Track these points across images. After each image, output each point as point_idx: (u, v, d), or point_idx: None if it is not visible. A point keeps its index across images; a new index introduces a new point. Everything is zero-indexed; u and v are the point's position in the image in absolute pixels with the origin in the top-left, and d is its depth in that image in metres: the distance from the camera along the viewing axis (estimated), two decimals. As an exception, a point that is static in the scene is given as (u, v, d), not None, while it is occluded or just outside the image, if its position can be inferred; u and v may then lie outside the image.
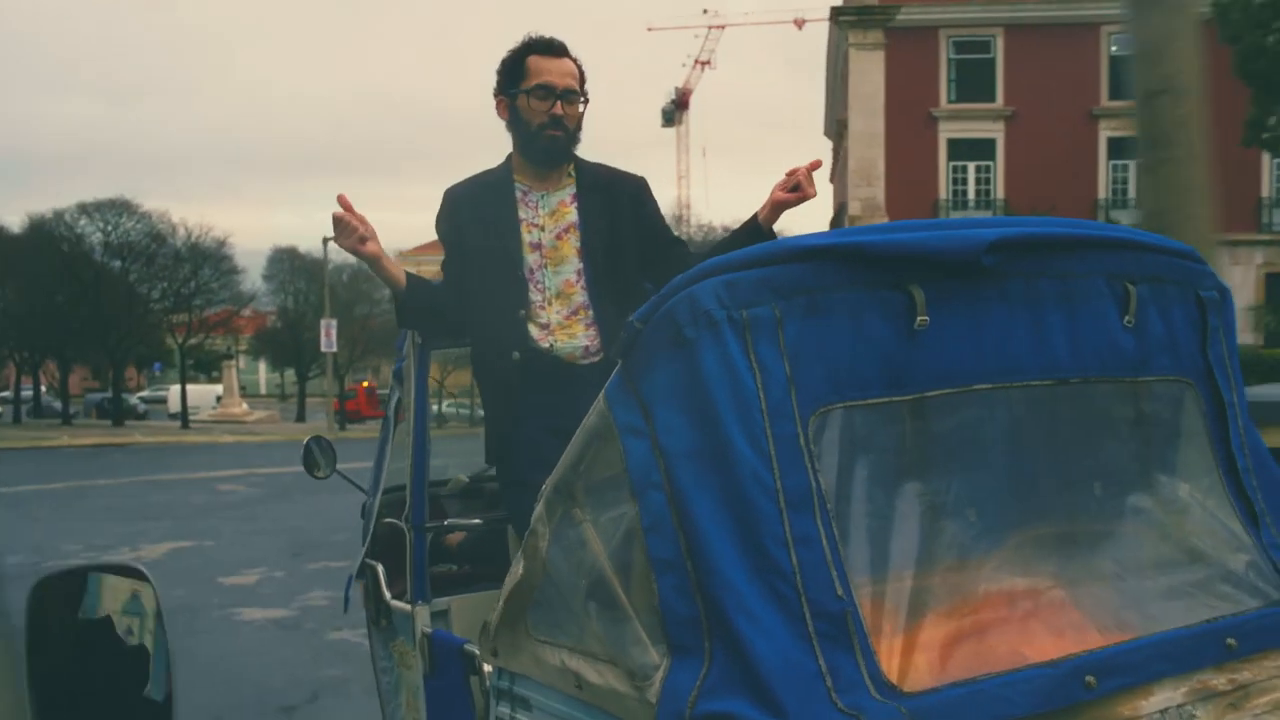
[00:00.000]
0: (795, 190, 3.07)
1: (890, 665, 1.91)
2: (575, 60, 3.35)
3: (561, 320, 3.26)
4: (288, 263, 59.41)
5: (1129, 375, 2.29)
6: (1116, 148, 34.51)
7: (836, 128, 37.39)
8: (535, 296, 3.28)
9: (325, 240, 45.59)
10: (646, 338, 2.05)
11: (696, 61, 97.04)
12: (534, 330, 3.25)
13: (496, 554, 3.89)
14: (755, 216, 3.14)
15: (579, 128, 3.34)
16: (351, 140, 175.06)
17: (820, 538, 1.91)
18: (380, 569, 3.82)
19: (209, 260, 50.10)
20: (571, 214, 3.32)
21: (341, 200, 3.13)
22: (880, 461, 2.07)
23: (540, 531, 2.33)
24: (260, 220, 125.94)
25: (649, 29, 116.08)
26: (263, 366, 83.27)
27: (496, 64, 3.38)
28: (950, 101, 35.19)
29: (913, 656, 1.95)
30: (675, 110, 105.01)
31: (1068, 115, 34.40)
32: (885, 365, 2.02)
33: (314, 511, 16.53)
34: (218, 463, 28.60)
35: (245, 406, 60.44)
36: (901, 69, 34.76)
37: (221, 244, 50.66)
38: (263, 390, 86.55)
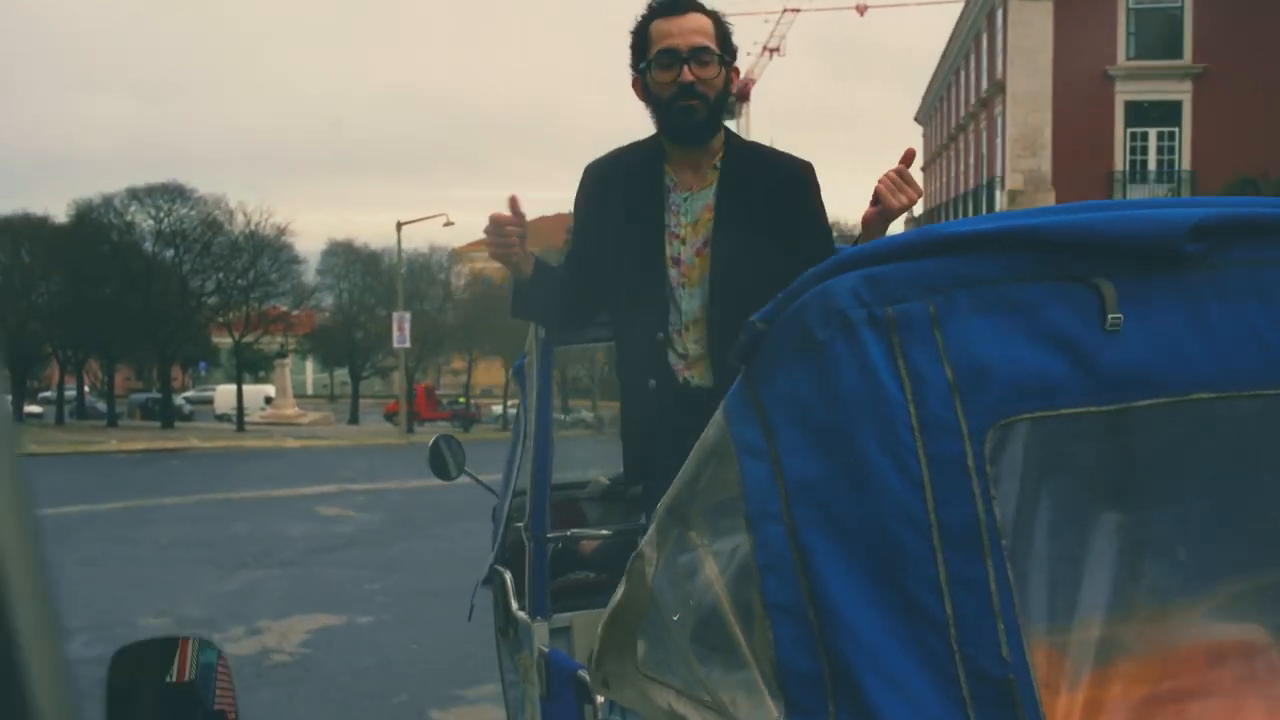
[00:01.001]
0: (878, 203, 2.67)
1: None
2: (711, 13, 2.85)
3: (701, 351, 2.87)
4: (343, 256, 55.74)
5: None
6: (1325, 110, 29.80)
7: (989, 90, 32.79)
8: (674, 319, 2.89)
9: (399, 225, 41.63)
10: (771, 341, 1.75)
11: (765, 49, 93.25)
12: (672, 358, 2.90)
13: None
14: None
15: (724, 95, 2.83)
16: (393, 138, 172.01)
17: (988, 581, 1.58)
18: (508, 577, 3.69)
19: (268, 250, 45.97)
20: (712, 224, 2.87)
21: (513, 202, 2.79)
22: (1074, 486, 1.77)
23: (648, 555, 2.03)
24: (303, 220, 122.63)
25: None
26: (310, 366, 79.53)
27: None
28: (1129, 58, 30.50)
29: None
30: (736, 102, 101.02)
31: (1269, 73, 29.66)
32: (1077, 371, 1.66)
33: (464, 548, 12.10)
34: (293, 475, 24.37)
35: (297, 408, 56.93)
36: (1072, 20, 30.16)
37: (282, 231, 46.58)
38: (309, 390, 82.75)
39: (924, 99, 61.62)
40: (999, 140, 32.81)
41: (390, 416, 58.22)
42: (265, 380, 58.49)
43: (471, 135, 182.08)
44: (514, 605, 3.57)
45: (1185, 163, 30.37)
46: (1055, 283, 1.68)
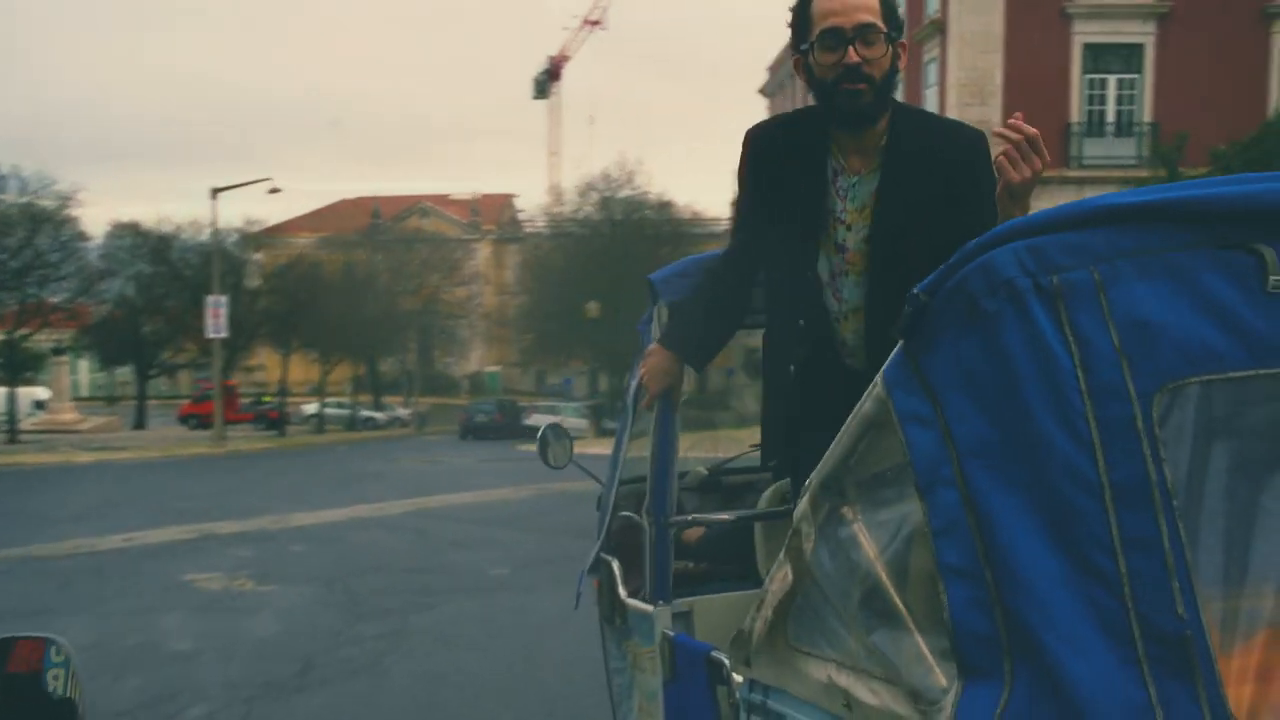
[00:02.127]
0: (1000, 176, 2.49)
1: (1240, 701, 1.63)
2: None
3: (859, 342, 2.84)
4: (129, 239, 48.13)
5: None
6: (1295, 55, 26.78)
7: (922, 33, 28.62)
8: (833, 306, 2.88)
9: (215, 191, 34.91)
10: (934, 312, 1.81)
11: (585, 21, 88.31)
12: (831, 348, 2.91)
13: (739, 553, 3.69)
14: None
15: (892, 74, 2.74)
16: (167, 127, 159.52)
17: (1162, 540, 1.63)
18: (615, 564, 3.66)
19: (47, 225, 38.17)
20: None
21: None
22: (1243, 448, 1.76)
23: (805, 531, 2.14)
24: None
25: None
26: (85, 364, 70.54)
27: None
28: (1088, -6, 26.79)
29: (1269, 690, 1.66)
30: (547, 80, 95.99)
31: (1238, 15, 26.44)
32: (1242, 335, 1.71)
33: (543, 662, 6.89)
34: (110, 508, 18.03)
35: (77, 413, 49.04)
36: (1025, -47, 26.33)
37: (65, 203, 38.80)
38: (84, 392, 73.53)
39: (774, 69, 57.99)
40: (931, 90, 28.75)
41: (186, 419, 51.50)
42: (35, 382, 50.18)
43: (250, 123, 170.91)
44: (622, 592, 3.56)
45: (1147, 113, 26.89)
46: (1217, 250, 1.73)
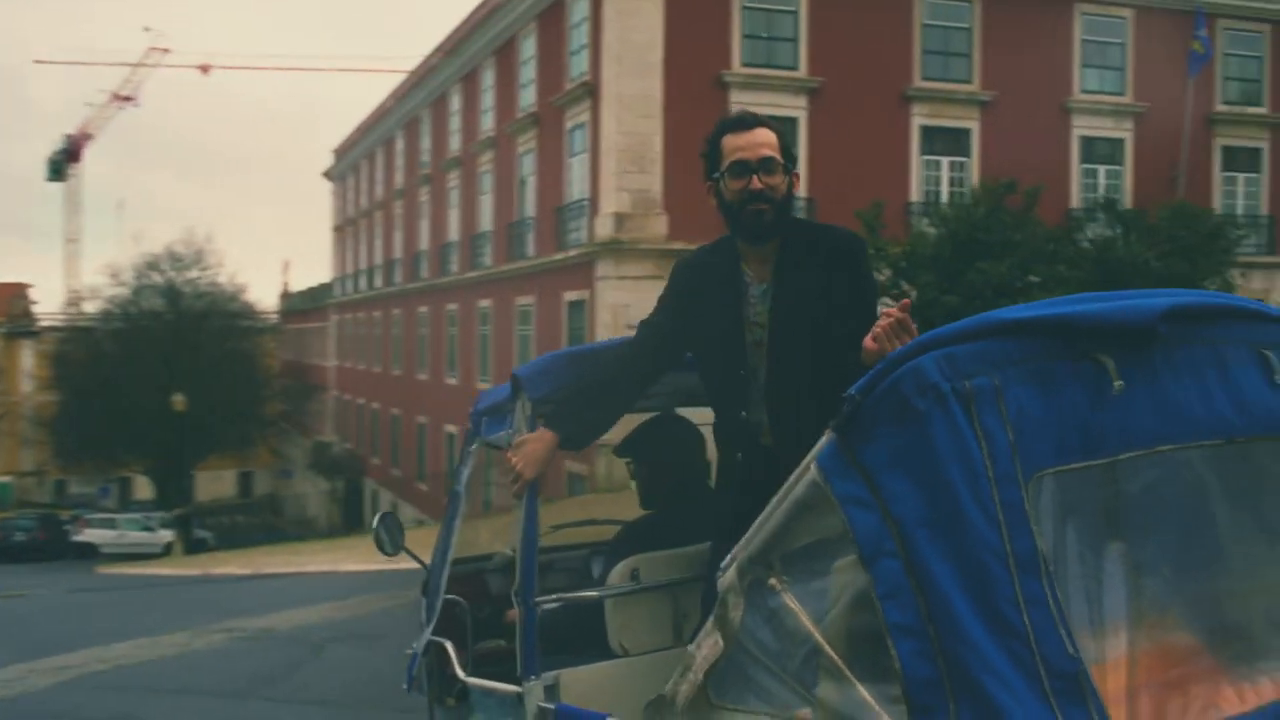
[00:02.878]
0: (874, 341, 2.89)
1: (1118, 717, 2.15)
2: (774, 128, 3.32)
3: (770, 421, 3.33)
4: None
5: None
6: (930, 139, 27.52)
7: (574, 94, 26.87)
8: (755, 395, 3.34)
9: None
10: (869, 410, 2.22)
11: (115, 96, 79.95)
12: (753, 430, 3.37)
13: (578, 629, 3.82)
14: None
15: (788, 198, 3.30)
16: None
17: (1048, 598, 2.11)
18: (449, 646, 3.84)
19: None
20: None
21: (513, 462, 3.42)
22: (1085, 523, 2.29)
23: (732, 601, 2.45)
24: None
25: (37, 61, 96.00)
26: None
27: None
28: (744, 64, 26.15)
29: (1136, 710, 2.22)
30: (64, 161, 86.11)
31: (879, 94, 26.89)
32: (1086, 431, 2.26)
33: None
34: None
35: None
36: (682, 18, 25.39)
37: None
38: None
39: (343, 151, 55.50)
40: (579, 157, 27.11)
41: None
42: None
43: None
44: (460, 673, 3.76)
45: (805, 185, 26.57)
46: (1076, 360, 2.28)
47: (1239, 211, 29.93)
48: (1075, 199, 28.18)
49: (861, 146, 26.13)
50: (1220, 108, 30.25)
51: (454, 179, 36.84)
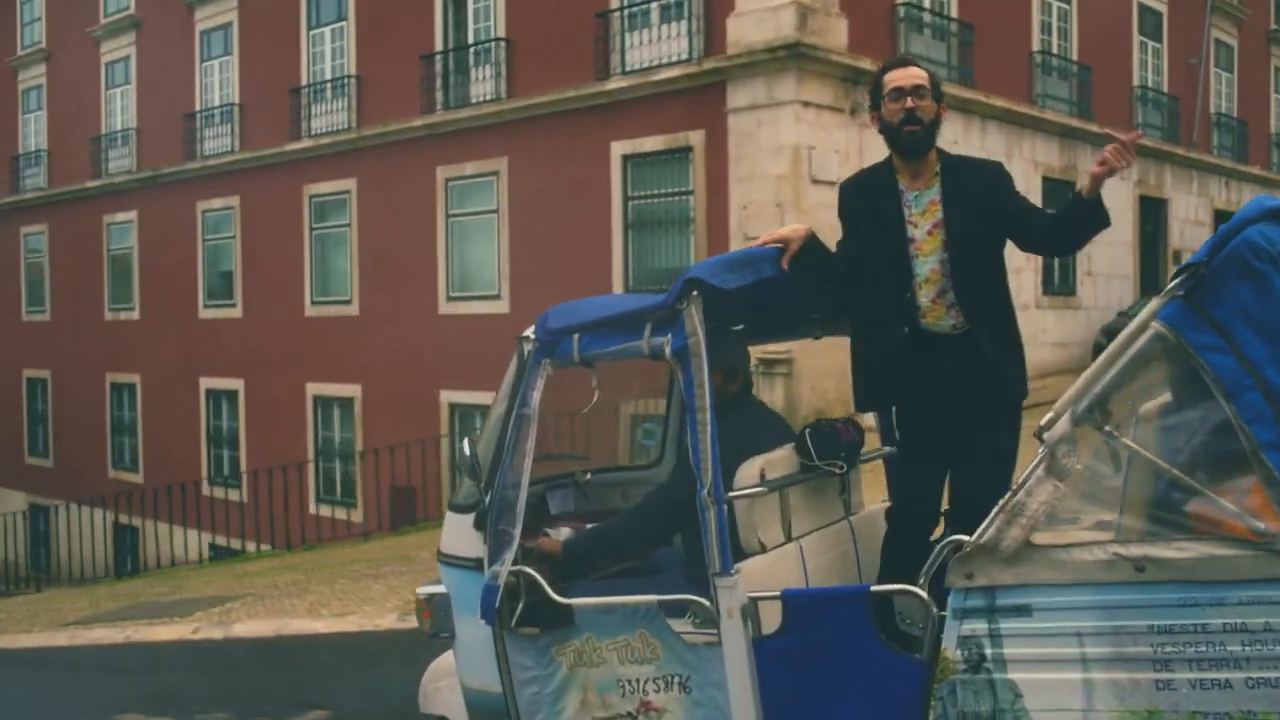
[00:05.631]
0: (1104, 164, 3.71)
1: None
2: (924, 68, 4.15)
3: (929, 303, 4.04)
4: None
5: None
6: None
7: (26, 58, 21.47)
8: (912, 282, 4.06)
9: None
10: (1215, 273, 2.94)
11: None
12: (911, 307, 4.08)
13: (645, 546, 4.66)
14: (1080, 194, 3.86)
15: (936, 121, 4.09)
16: None
17: None
18: (535, 574, 4.04)
19: None
20: (939, 212, 4.06)
21: (773, 238, 4.20)
22: None
23: (1063, 450, 3.04)
24: None
25: None
26: None
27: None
28: None
29: None
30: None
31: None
32: None
33: None
34: None
35: None
36: None
37: None
38: None
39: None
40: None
41: None
42: None
43: None
44: (555, 597, 3.99)
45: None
46: None
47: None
48: None
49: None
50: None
51: None
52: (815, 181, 15.52)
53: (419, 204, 19.89)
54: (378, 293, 20.75)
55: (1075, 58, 21.99)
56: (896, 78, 4.05)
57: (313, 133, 21.96)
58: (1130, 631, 2.97)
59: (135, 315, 26.97)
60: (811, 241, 4.13)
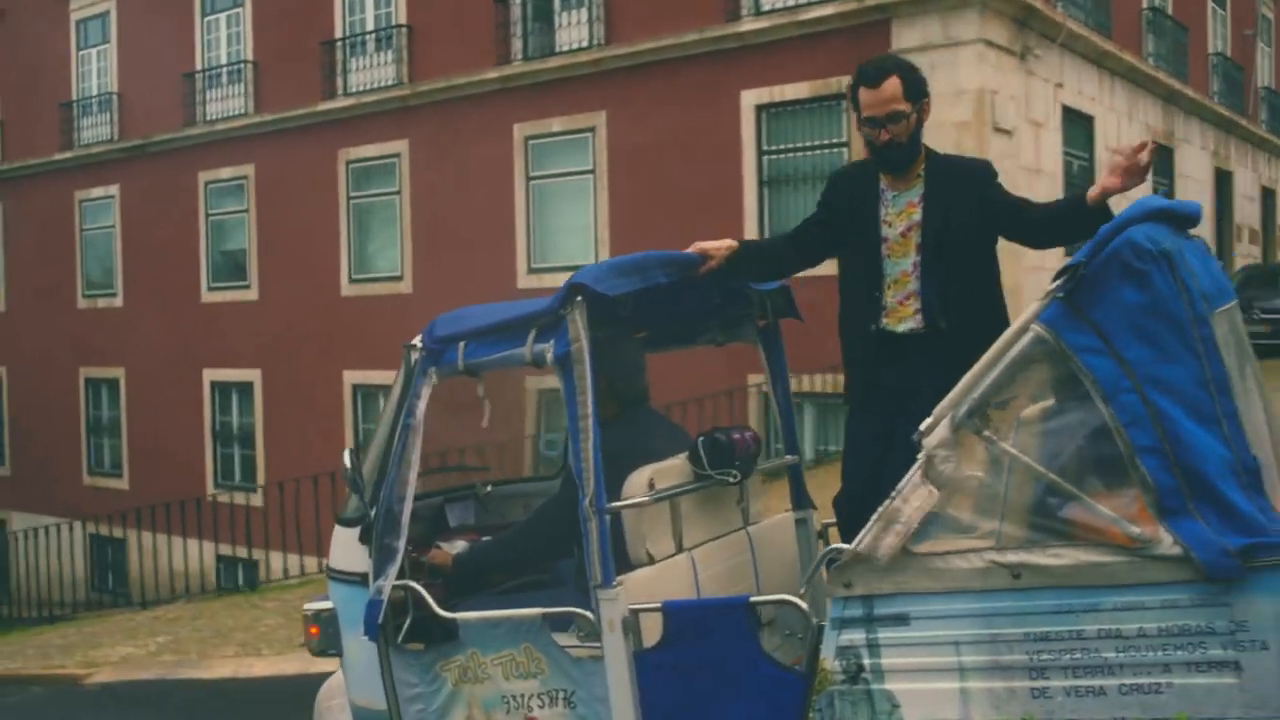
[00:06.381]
0: (1119, 179, 3.58)
1: (1277, 503, 2.97)
2: (899, 74, 3.97)
3: (895, 304, 4.02)
4: None
5: None
6: None
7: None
8: (883, 282, 4.04)
9: None
10: (1094, 274, 3.00)
11: None
12: (880, 306, 4.07)
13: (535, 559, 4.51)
14: (1084, 198, 3.69)
15: (915, 134, 4.00)
16: None
17: (1237, 411, 2.90)
18: (420, 589, 3.98)
19: None
20: (917, 214, 4.02)
21: (700, 249, 4.13)
22: (1234, 352, 3.06)
23: (942, 455, 3.05)
24: None
25: None
26: None
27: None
28: None
29: (1276, 499, 2.99)
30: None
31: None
32: (1216, 283, 3.11)
33: None
34: None
35: None
36: None
37: None
38: None
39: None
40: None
41: None
42: None
43: None
44: (440, 613, 3.92)
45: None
46: (1187, 237, 3.16)
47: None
48: None
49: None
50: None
51: None
52: (998, 130, 13.97)
53: (492, 167, 17.77)
54: (432, 267, 18.55)
55: (1172, 15, 20.88)
56: (868, 104, 3.99)
57: (350, 90, 19.65)
58: (1006, 639, 3.00)
59: (117, 302, 24.17)
60: (741, 252, 4.13)
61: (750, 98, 15.41)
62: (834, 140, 14.96)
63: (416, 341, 4.12)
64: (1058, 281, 3.03)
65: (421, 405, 4.03)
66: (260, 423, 21.27)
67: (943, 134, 13.61)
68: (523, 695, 3.79)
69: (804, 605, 3.35)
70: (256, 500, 18.23)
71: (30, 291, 26.06)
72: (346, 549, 4.32)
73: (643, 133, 16.23)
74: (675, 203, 15.69)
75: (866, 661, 3.11)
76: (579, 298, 3.65)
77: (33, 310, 25.92)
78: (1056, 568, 2.93)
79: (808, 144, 15.21)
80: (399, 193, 19.12)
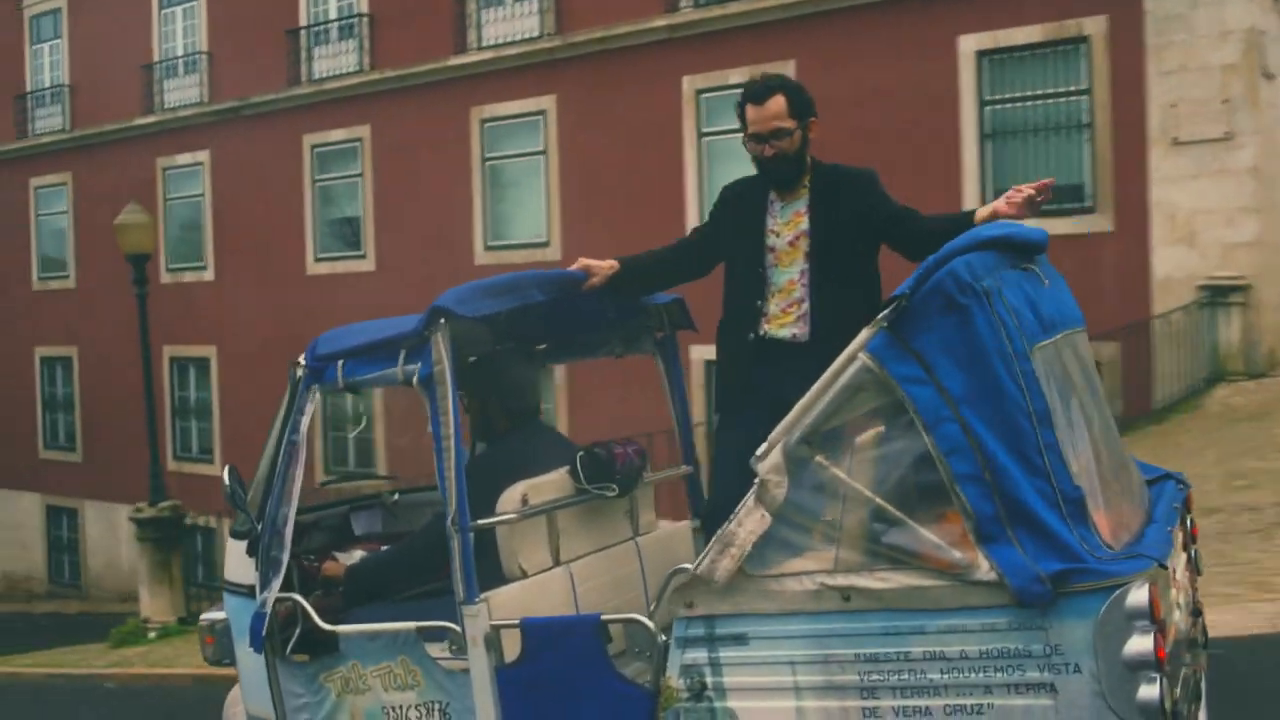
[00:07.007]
0: (1015, 210, 3.73)
1: (1103, 532, 3.03)
2: (785, 93, 4.08)
3: (778, 312, 4.11)
4: None
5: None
6: None
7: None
8: (765, 291, 4.15)
9: None
10: (918, 305, 3.02)
11: None
12: (762, 315, 4.14)
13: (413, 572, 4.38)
14: (971, 215, 3.85)
15: (801, 150, 4.11)
16: None
17: (1058, 443, 2.97)
18: (303, 600, 4.09)
19: None
20: (804, 223, 4.12)
21: (584, 266, 4.26)
22: (1059, 385, 3.18)
23: (774, 480, 3.09)
24: None
25: None
26: None
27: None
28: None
29: (1105, 526, 3.07)
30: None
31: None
32: (1039, 317, 3.19)
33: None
34: None
35: None
36: None
37: None
38: None
39: None
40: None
41: None
42: None
43: None
44: (325, 625, 4.04)
45: None
46: (1018, 268, 3.27)
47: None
48: None
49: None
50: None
51: None
52: (1268, 76, 13.01)
53: (657, 124, 16.93)
54: (396, 249, 19.64)
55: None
56: (754, 120, 4.06)
57: (314, 77, 20.75)
58: (839, 660, 3.06)
59: (70, 284, 24.86)
60: (624, 269, 4.27)
61: (969, 43, 14.43)
62: (1071, 88, 14.03)
63: (300, 359, 4.18)
64: (885, 310, 3.06)
65: (305, 421, 4.11)
66: (215, 397, 22.14)
67: (1207, 77, 12.98)
68: (401, 706, 3.91)
69: (651, 624, 3.36)
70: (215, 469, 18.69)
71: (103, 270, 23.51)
72: (238, 561, 4.40)
73: (834, 84, 13.98)
74: (888, 156, 12.59)
75: (709, 679, 3.20)
76: (441, 320, 3.71)
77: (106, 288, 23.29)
78: (884, 591, 2.99)
79: (1037, 92, 14.20)
80: (361, 175, 20.28)
